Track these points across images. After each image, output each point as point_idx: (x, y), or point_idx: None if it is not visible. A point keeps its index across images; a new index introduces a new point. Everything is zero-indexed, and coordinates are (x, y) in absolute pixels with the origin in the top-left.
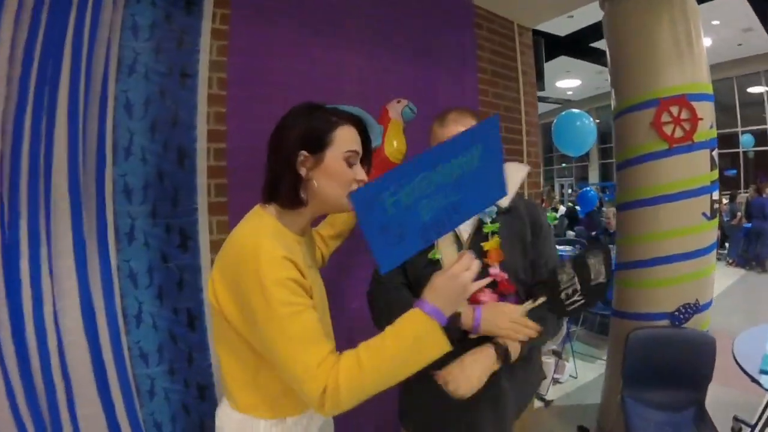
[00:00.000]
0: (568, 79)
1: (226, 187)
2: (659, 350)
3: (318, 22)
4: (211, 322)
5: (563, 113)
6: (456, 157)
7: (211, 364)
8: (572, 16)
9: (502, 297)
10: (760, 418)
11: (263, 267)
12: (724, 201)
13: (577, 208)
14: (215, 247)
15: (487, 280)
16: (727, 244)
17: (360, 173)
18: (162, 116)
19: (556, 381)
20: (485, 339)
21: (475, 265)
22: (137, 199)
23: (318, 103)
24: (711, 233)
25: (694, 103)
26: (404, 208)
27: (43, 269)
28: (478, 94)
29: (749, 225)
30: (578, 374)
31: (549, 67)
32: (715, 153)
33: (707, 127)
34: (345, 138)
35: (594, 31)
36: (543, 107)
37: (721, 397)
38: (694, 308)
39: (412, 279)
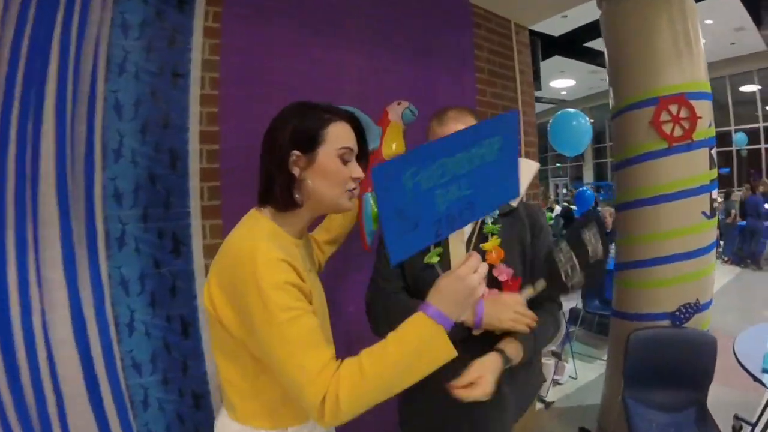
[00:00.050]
0: (562, 79)
1: (219, 189)
2: (660, 350)
3: (314, 22)
4: (206, 329)
5: (559, 113)
6: (475, 147)
7: (207, 372)
8: (566, 16)
9: None
10: (760, 416)
11: (261, 270)
12: (719, 199)
13: (573, 207)
14: (209, 251)
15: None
16: (721, 242)
17: (356, 171)
18: (153, 117)
19: (555, 382)
20: (488, 335)
21: (483, 267)
22: (128, 203)
23: (310, 102)
24: (711, 232)
25: (693, 102)
26: (422, 193)
27: (31, 277)
28: (476, 93)
29: (743, 223)
30: (578, 375)
31: (543, 67)
32: (714, 152)
33: (706, 126)
34: (338, 135)
35: (588, 31)
36: (537, 107)
37: (720, 396)
38: (695, 308)
39: (410, 282)
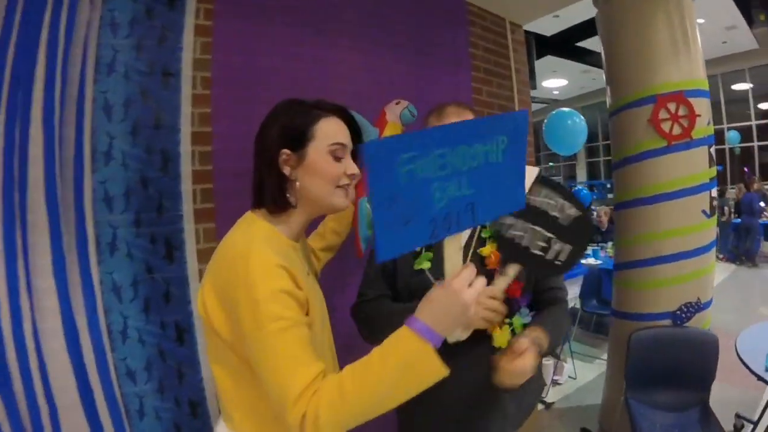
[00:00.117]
0: (554, 79)
1: (212, 192)
2: (662, 350)
3: (308, 19)
4: (201, 335)
5: (554, 112)
6: (479, 142)
7: (203, 379)
8: (558, 16)
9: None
10: (762, 414)
11: (253, 276)
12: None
13: None
14: (202, 256)
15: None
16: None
17: (351, 167)
18: (143, 118)
19: (555, 382)
20: (478, 335)
21: (480, 282)
22: (119, 207)
23: (299, 99)
24: (711, 231)
25: (692, 100)
26: (418, 182)
27: (21, 285)
28: (472, 92)
29: (738, 220)
30: (577, 375)
31: (535, 66)
32: (712, 150)
33: (705, 124)
34: (328, 130)
35: (580, 30)
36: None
37: (721, 394)
38: (696, 307)
39: (401, 287)
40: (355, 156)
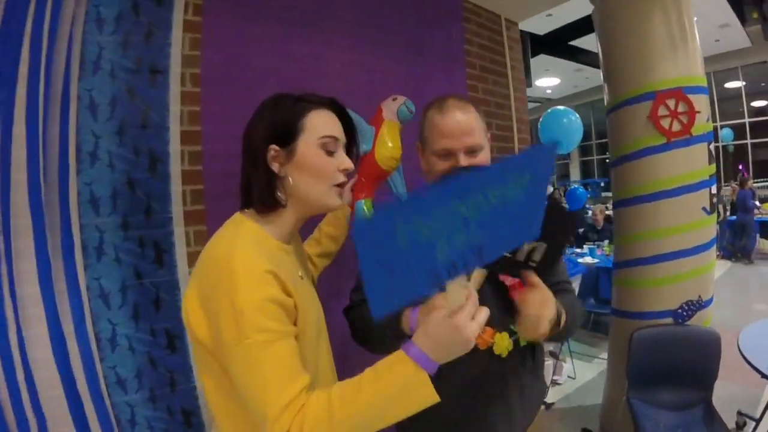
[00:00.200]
0: (547, 78)
1: (202, 193)
2: (664, 349)
3: (301, 15)
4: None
5: (550, 110)
6: (497, 187)
7: (196, 386)
8: (551, 15)
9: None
10: (764, 412)
11: (238, 284)
12: None
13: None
14: (193, 260)
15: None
16: None
17: (344, 161)
18: (130, 117)
19: (554, 383)
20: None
21: (483, 315)
22: (105, 210)
23: (287, 93)
24: (711, 228)
25: (691, 96)
26: (420, 246)
27: (5, 292)
28: (467, 90)
29: (734, 218)
30: (576, 375)
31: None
32: (712, 146)
33: (704, 120)
34: (318, 123)
35: (573, 29)
36: None
37: (722, 392)
38: (697, 305)
39: None
40: (349, 150)
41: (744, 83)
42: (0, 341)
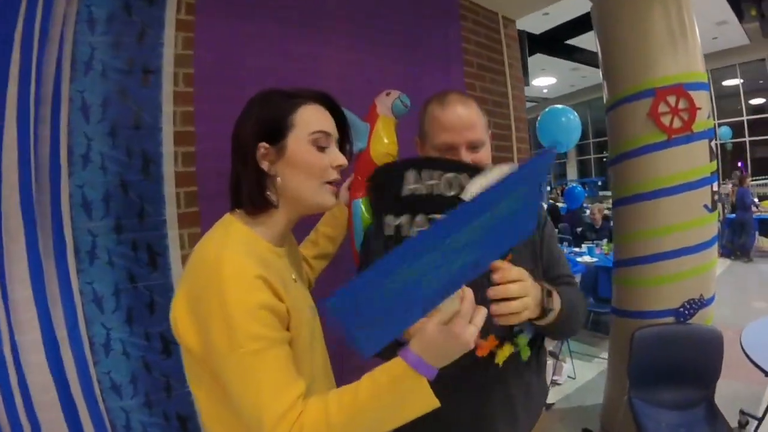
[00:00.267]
0: (543, 77)
1: (196, 195)
2: (666, 348)
3: (295, 13)
4: None
5: (548, 109)
6: (484, 214)
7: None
8: (548, 14)
9: None
10: (767, 410)
11: (229, 290)
12: None
13: (559, 204)
14: None
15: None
16: None
17: (337, 157)
18: (122, 118)
19: (554, 383)
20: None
21: (480, 316)
22: (98, 213)
23: (276, 88)
24: (712, 226)
25: (692, 93)
26: (405, 289)
27: None
28: (465, 88)
29: (733, 216)
30: (576, 375)
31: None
32: (713, 143)
33: (705, 117)
34: (309, 118)
35: (569, 28)
36: None
37: (724, 391)
38: (699, 303)
39: None
40: (343, 146)
41: (742, 81)
42: None
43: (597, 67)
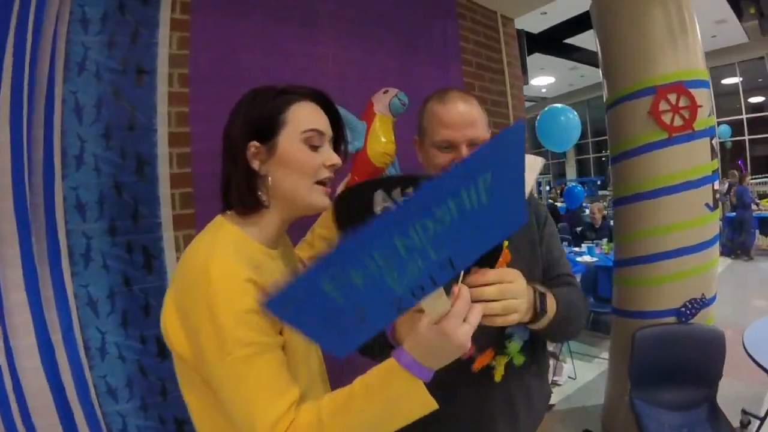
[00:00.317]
0: (542, 77)
1: (192, 197)
2: (668, 348)
3: (291, 12)
4: None
5: (547, 108)
6: (445, 203)
7: None
8: (546, 13)
9: None
10: None
11: (217, 295)
12: None
13: (558, 204)
14: None
15: None
16: None
17: (330, 157)
18: (116, 119)
19: (555, 383)
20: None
21: (476, 315)
22: (92, 215)
23: (268, 85)
24: (714, 225)
25: (692, 90)
26: (365, 286)
27: None
28: (464, 87)
29: (733, 214)
30: (577, 375)
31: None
32: (715, 141)
33: (706, 115)
34: (301, 116)
35: (568, 27)
36: None
37: (726, 390)
38: (701, 303)
39: None
40: (338, 145)
41: (741, 79)
42: None
43: (596, 66)
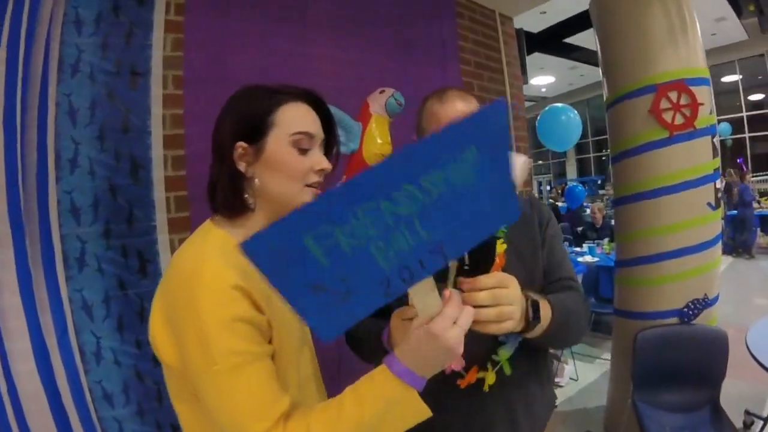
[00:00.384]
0: (542, 76)
1: (187, 200)
2: (670, 349)
3: (286, 13)
4: None
5: (548, 108)
6: (430, 171)
7: None
8: (545, 12)
9: None
10: None
11: (203, 301)
12: None
13: (559, 204)
14: None
15: None
16: None
17: (319, 161)
18: (111, 122)
19: (556, 385)
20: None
21: (466, 316)
22: (87, 219)
23: (259, 84)
24: (716, 224)
25: (693, 88)
26: (351, 253)
27: None
28: (462, 87)
29: (734, 212)
30: (578, 376)
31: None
32: (716, 140)
33: (707, 113)
34: (291, 118)
35: (567, 26)
36: None
37: (728, 390)
38: (704, 303)
39: None
40: (329, 148)
41: (741, 77)
42: None
43: (595, 65)
